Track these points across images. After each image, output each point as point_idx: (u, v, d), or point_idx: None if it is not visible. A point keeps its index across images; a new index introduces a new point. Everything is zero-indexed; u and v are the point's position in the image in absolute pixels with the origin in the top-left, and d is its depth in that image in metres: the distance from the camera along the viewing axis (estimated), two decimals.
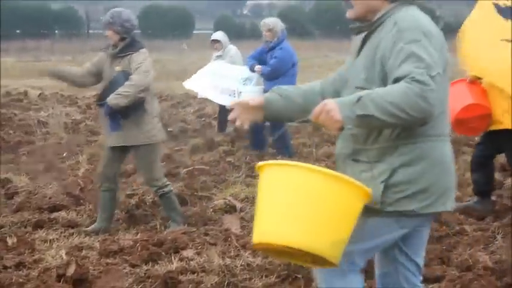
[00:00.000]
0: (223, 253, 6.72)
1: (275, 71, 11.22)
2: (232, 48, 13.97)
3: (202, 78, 12.55)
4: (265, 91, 10.94)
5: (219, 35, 14.09)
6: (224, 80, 12.28)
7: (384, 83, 3.62)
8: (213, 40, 14.11)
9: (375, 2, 3.80)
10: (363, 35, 3.86)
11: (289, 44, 11.65)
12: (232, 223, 7.82)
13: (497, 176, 9.68)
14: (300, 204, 3.41)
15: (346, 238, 3.50)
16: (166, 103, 19.26)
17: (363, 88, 3.65)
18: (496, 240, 7.05)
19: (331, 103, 3.51)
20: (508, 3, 7.37)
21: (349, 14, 3.88)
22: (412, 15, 3.70)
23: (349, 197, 3.47)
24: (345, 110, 3.47)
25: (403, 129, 3.64)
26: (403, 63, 3.51)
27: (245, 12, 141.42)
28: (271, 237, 3.49)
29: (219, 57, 13.75)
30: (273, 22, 11.46)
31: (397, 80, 3.49)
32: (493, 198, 8.62)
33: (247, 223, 7.80)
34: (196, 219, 8.00)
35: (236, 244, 6.91)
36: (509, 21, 7.30)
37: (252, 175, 9.95)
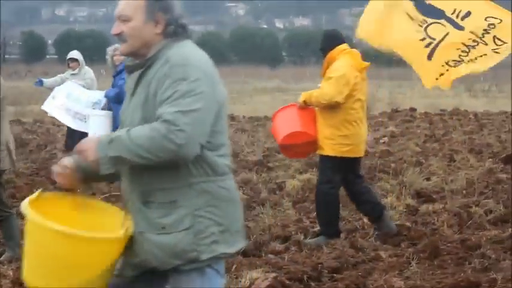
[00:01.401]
0: None
1: (121, 93, 11.03)
2: (89, 71, 14.13)
3: (57, 98, 12.64)
4: (113, 115, 11.00)
5: (75, 54, 14.26)
6: (76, 103, 12.45)
7: None
8: (70, 59, 14.22)
9: (149, 37, 3.67)
10: (137, 73, 3.74)
11: None
12: None
13: (412, 202, 9.85)
14: (47, 258, 3.53)
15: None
16: None
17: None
18: (411, 266, 7.15)
19: (88, 142, 3.52)
20: None
21: (122, 48, 3.75)
22: (183, 52, 3.63)
23: (96, 248, 3.54)
24: (101, 150, 3.46)
25: (194, 168, 3.55)
26: (164, 102, 3.48)
27: None
28: (26, 279, 3.67)
29: (74, 75, 13.88)
30: None
31: (157, 119, 3.46)
32: (408, 224, 8.77)
33: None
34: None
35: None
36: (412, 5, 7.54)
37: None
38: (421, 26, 7.39)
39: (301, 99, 8.13)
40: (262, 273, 6.79)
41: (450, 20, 7.27)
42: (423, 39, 7.40)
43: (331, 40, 8.21)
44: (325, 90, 7.96)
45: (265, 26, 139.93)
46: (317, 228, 8.51)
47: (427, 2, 7.40)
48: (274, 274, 6.79)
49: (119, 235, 3.55)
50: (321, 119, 8.08)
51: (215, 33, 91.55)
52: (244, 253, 7.56)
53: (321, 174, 8.30)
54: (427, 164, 12.91)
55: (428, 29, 7.37)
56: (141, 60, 3.71)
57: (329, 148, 8.05)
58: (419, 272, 6.94)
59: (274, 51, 74.52)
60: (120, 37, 3.70)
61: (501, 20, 7.10)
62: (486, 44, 7.17)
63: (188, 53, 3.63)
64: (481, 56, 7.21)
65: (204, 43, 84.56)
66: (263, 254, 7.62)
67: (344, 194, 10.32)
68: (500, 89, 38.47)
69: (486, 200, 9.94)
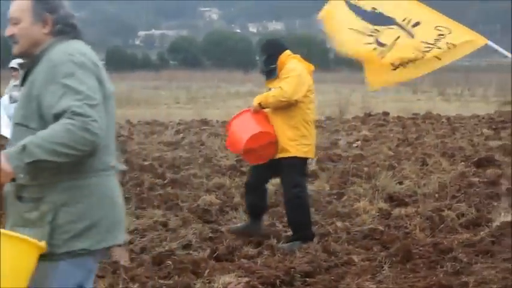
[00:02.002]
0: (112, 286, 6.63)
1: None
2: None
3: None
4: None
5: (14, 63, 13.76)
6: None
7: (42, 119, 3.62)
8: (11, 68, 13.71)
9: (38, 37, 3.77)
10: (23, 71, 3.84)
11: None
12: (121, 255, 7.71)
13: (385, 206, 9.87)
14: None
15: None
16: None
17: (21, 124, 3.69)
18: (383, 270, 7.16)
19: None
20: (356, 3, 7.66)
21: (15, 50, 3.83)
22: (66, 49, 3.71)
23: (12, 252, 3.47)
24: (13, 160, 3.49)
25: (65, 166, 3.59)
26: (61, 99, 3.53)
27: (137, 42, 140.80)
28: None
29: (16, 86, 13.48)
30: None
31: (57, 117, 3.51)
32: (381, 228, 8.79)
33: (136, 255, 7.72)
34: None
35: (124, 276, 6.82)
36: (359, 18, 7.61)
37: (142, 207, 9.88)
38: (371, 36, 7.45)
39: (255, 102, 8.23)
40: (235, 278, 6.79)
41: (401, 26, 7.35)
42: (374, 49, 7.45)
43: (279, 46, 8.45)
44: (285, 88, 8.05)
45: (238, 31, 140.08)
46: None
47: (377, 11, 7.47)
48: (247, 279, 6.79)
49: (42, 243, 3.55)
50: (280, 121, 8.16)
51: (188, 38, 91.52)
52: (217, 258, 7.56)
53: (288, 178, 8.31)
54: (399, 168, 12.95)
55: (381, 37, 7.43)
56: (28, 60, 3.80)
57: (294, 149, 8.16)
58: (391, 276, 6.96)
59: (247, 56, 74.40)
60: (13, 39, 3.79)
61: (450, 31, 7.19)
62: (439, 48, 7.23)
63: (71, 50, 3.70)
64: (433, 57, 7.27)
65: (177, 48, 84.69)
66: (236, 259, 7.60)
67: (316, 199, 10.36)
68: (473, 93, 38.75)
69: (458, 204, 9.98)
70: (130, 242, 8.23)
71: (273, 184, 11.19)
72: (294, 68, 8.20)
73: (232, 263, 7.42)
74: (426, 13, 7.43)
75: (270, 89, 8.29)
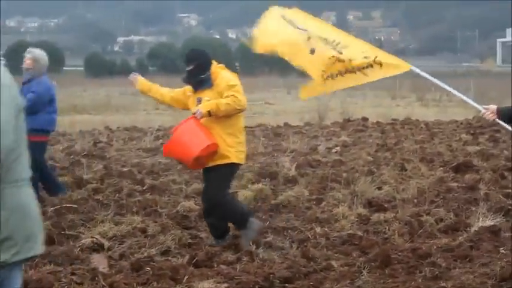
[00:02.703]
0: None
1: (34, 105, 10.80)
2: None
3: None
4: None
5: None
6: None
7: None
8: None
9: None
10: None
11: (48, 80, 11.21)
12: (99, 262, 7.69)
13: (364, 211, 9.89)
14: None
15: None
16: None
17: None
18: (362, 275, 7.16)
19: None
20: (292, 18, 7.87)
21: None
22: None
23: None
24: None
25: None
26: None
27: (116, 48, 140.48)
28: None
29: None
30: (40, 54, 11.10)
31: None
32: (359, 233, 8.81)
33: (115, 262, 7.69)
34: (63, 258, 7.82)
35: (103, 283, 6.79)
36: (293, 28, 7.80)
37: (121, 213, 9.85)
38: (306, 42, 7.64)
39: (204, 110, 8.05)
40: (214, 284, 6.78)
41: (331, 46, 7.52)
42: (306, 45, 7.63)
43: (208, 56, 8.39)
44: (239, 97, 8.08)
45: (217, 37, 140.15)
46: (269, 238, 8.51)
47: (309, 30, 7.71)
48: (226, 285, 6.79)
49: None
50: (220, 129, 8.15)
51: (167, 44, 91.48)
52: (196, 264, 7.54)
53: (221, 183, 8.28)
54: (378, 173, 12.97)
55: (310, 40, 7.62)
56: None
57: (234, 156, 8.21)
58: (370, 281, 6.97)
59: (226, 62, 73.89)
60: None
61: (377, 56, 7.38)
62: (366, 65, 7.43)
63: None
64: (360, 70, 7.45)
65: (156, 54, 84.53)
66: (215, 265, 7.59)
67: (295, 204, 10.38)
68: (451, 98, 38.89)
69: (437, 209, 10.02)
70: (109, 249, 8.21)
71: (252, 190, 11.21)
72: (233, 78, 8.27)
73: (211, 269, 7.40)
74: (355, 41, 7.70)
75: (200, 99, 8.22)
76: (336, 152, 16.90)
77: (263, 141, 18.66)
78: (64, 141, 18.94)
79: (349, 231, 8.84)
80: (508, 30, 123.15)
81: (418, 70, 7.38)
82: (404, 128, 22.73)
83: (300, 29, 7.71)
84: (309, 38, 7.60)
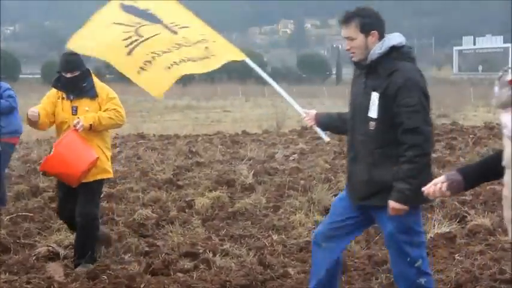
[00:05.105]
0: None
1: (13, 105, 10.74)
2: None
3: None
4: None
5: None
6: None
7: None
8: None
9: None
10: None
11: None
12: (55, 270, 7.64)
13: (321, 218, 9.90)
14: None
15: None
16: None
17: None
18: None
19: None
20: (133, 3, 7.68)
21: None
22: None
23: None
24: None
25: None
26: None
27: None
28: None
29: None
30: None
31: None
32: None
33: (71, 270, 7.64)
34: (18, 267, 7.77)
35: None
36: (129, 14, 7.59)
37: None
38: (132, 27, 7.41)
39: (86, 123, 7.64)
40: None
41: (167, 27, 7.40)
42: (127, 38, 7.36)
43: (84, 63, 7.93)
44: (121, 111, 7.85)
45: None
46: (226, 245, 8.51)
47: (149, 11, 7.52)
48: None
49: None
50: (99, 142, 7.85)
51: None
52: (153, 272, 7.52)
53: (97, 199, 8.03)
54: (336, 181, 13.02)
55: (141, 29, 7.42)
56: None
57: (111, 170, 8.06)
58: None
59: None
60: None
61: (215, 40, 7.32)
62: (197, 49, 7.32)
63: None
64: (195, 61, 7.33)
65: None
66: (172, 273, 7.57)
67: (252, 212, 10.38)
68: None
69: None
70: (65, 257, 8.15)
71: (210, 198, 11.20)
72: (111, 89, 7.99)
73: (167, 277, 7.39)
74: (196, 23, 7.48)
75: (76, 107, 7.78)
76: (293, 160, 16.94)
77: (221, 149, 18.67)
78: (20, 149, 18.77)
79: (306, 239, 8.86)
80: (465, 39, 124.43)
81: (251, 63, 7.23)
82: None
83: (134, 12, 7.44)
84: (138, 28, 7.33)
